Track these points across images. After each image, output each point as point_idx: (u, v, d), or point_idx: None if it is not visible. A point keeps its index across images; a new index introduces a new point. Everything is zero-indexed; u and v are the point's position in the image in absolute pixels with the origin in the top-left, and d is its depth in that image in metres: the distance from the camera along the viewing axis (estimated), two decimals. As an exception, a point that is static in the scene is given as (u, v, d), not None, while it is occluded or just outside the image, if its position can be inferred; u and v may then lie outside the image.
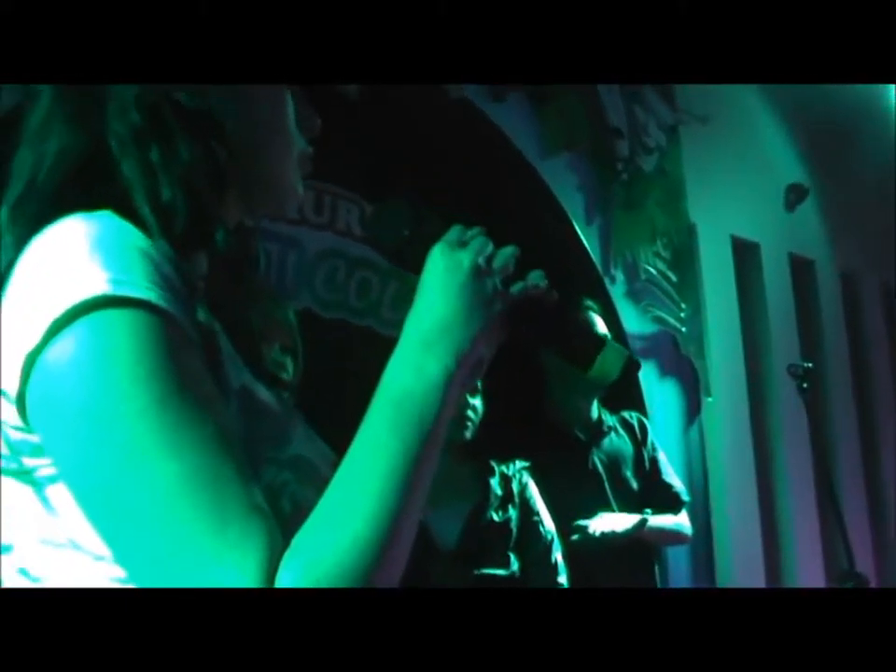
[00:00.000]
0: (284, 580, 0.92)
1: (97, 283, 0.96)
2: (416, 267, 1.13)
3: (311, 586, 0.92)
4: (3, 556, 1.06)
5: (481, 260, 1.11)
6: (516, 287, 1.12)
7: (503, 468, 3.24)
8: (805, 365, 4.00)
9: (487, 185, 4.12)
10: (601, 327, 3.72)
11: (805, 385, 3.93)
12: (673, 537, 3.84)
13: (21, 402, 0.98)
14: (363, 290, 3.84)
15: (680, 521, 3.81)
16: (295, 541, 0.94)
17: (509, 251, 1.13)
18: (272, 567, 0.92)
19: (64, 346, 0.95)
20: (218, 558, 0.92)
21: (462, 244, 1.12)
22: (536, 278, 1.14)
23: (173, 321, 0.98)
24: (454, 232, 1.14)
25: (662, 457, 3.88)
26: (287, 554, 0.93)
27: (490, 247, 1.12)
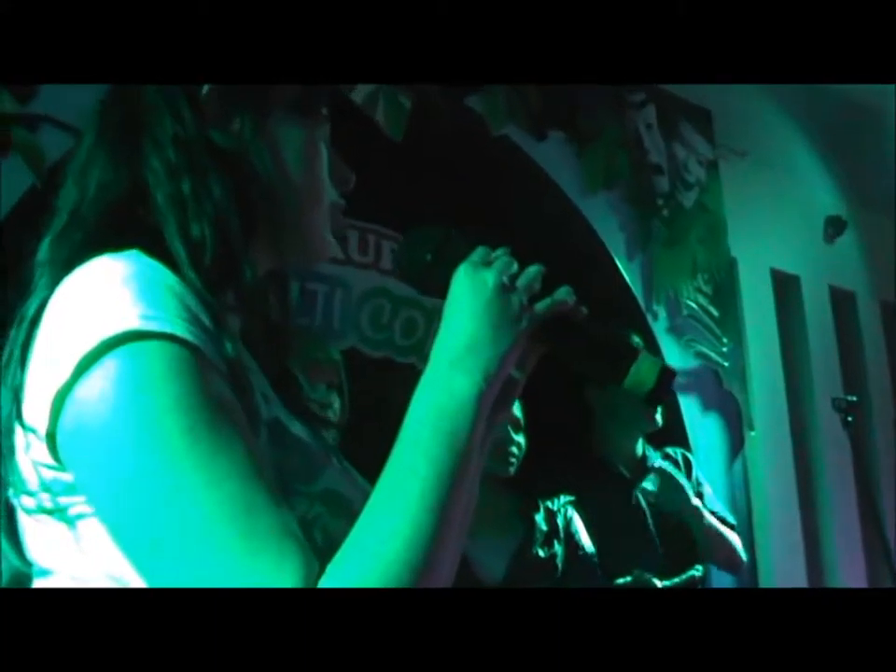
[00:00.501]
0: None
1: (124, 318, 0.98)
2: (441, 290, 1.14)
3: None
4: (44, 579, 1.09)
5: (506, 279, 1.11)
6: (543, 304, 1.12)
7: (548, 503, 3.25)
8: (850, 398, 4.00)
9: (529, 223, 4.15)
10: None
11: (849, 419, 3.92)
12: (729, 550, 3.75)
13: (51, 440, 1.00)
14: (408, 329, 3.87)
15: (736, 540, 3.77)
16: (330, 568, 0.94)
17: (534, 269, 1.13)
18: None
19: (94, 382, 0.97)
20: (253, 584, 0.92)
21: (487, 263, 1.12)
22: (563, 294, 1.14)
23: (199, 352, 1.00)
24: (478, 253, 1.14)
25: (707, 491, 3.86)
26: (322, 581, 0.93)
27: (515, 266, 1.12)
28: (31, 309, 1.09)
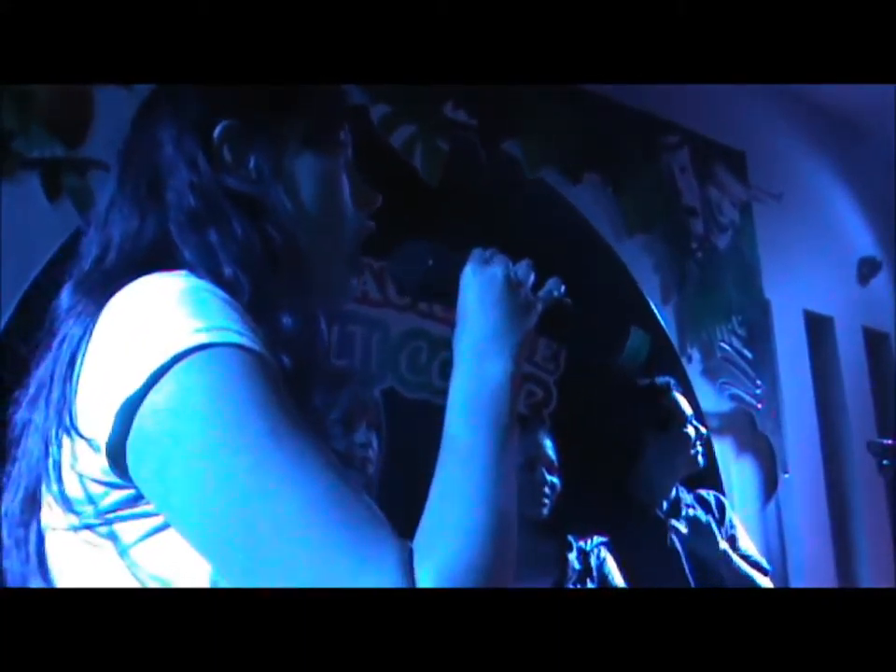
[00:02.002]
0: (424, 580, 0.94)
1: (190, 330, 1.00)
2: (441, 294, 1.23)
3: (448, 583, 0.95)
4: None
5: (509, 273, 1.18)
6: (544, 291, 1.21)
7: (581, 543, 3.26)
8: (885, 442, 3.98)
9: (565, 266, 4.17)
10: (685, 405, 3.77)
11: (885, 462, 3.91)
12: None
13: (114, 451, 1.01)
14: (446, 371, 3.80)
15: (768, 585, 3.75)
16: (417, 544, 0.98)
17: (526, 263, 1.21)
18: (408, 568, 0.94)
19: (167, 391, 0.98)
20: (358, 570, 0.94)
21: (487, 261, 1.20)
22: (554, 284, 1.22)
23: (265, 360, 1.03)
24: (477, 255, 1.21)
25: (741, 534, 3.87)
26: (417, 558, 0.96)
27: (510, 262, 1.20)
28: (75, 329, 1.10)
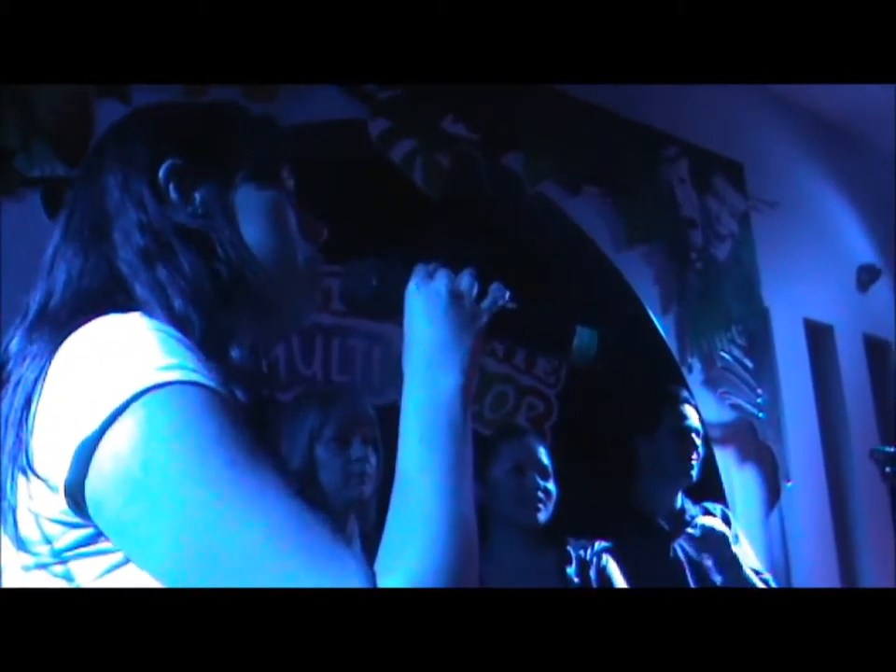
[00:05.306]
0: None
1: (145, 370, 1.01)
2: (389, 313, 1.24)
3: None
4: None
5: (453, 286, 1.20)
6: (487, 302, 1.21)
7: (581, 552, 3.23)
8: (888, 450, 3.98)
9: (565, 278, 4.19)
10: (693, 417, 3.76)
11: (887, 470, 3.90)
12: None
13: (73, 491, 1.02)
14: None
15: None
16: (380, 565, 1.00)
17: (468, 273, 1.22)
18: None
19: (126, 430, 0.99)
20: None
21: (431, 276, 1.21)
22: (497, 290, 1.23)
23: (222, 396, 1.04)
24: (420, 271, 1.22)
25: (746, 548, 3.86)
26: (380, 577, 0.98)
27: (453, 275, 1.21)
28: (29, 372, 1.10)
